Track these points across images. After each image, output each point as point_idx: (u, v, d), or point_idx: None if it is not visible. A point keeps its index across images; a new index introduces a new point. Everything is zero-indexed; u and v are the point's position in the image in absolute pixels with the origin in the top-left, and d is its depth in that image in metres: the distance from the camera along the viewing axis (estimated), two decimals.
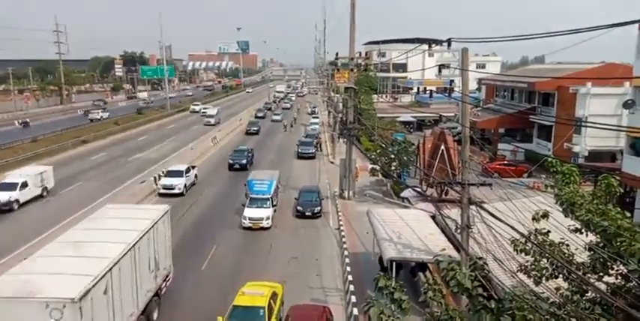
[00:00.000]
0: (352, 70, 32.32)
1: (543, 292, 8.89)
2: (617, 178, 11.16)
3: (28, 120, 60.79)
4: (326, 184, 34.83)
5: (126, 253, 13.97)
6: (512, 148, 41.30)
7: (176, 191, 30.48)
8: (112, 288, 12.90)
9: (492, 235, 11.55)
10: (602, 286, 8.97)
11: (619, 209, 9.76)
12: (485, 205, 12.75)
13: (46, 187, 30.01)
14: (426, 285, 9.00)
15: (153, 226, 16.32)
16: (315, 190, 29.32)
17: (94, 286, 11.82)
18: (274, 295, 15.57)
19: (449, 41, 13.50)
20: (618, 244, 8.74)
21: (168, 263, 18.10)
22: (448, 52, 73.68)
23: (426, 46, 23.40)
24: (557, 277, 9.68)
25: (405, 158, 32.81)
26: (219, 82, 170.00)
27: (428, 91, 71.77)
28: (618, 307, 7.86)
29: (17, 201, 27.21)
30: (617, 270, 9.11)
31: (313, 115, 73.68)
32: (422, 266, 18.97)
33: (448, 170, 23.87)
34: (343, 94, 36.21)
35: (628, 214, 9.57)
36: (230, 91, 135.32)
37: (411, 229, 18.56)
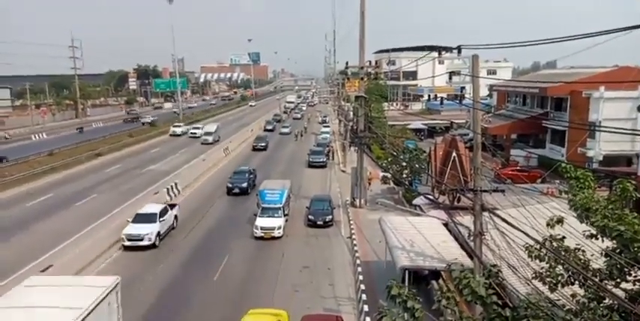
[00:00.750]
0: (362, 78, 32.36)
1: (559, 300, 8.72)
2: (633, 182, 10.94)
3: (82, 127, 69.76)
4: (337, 192, 34.75)
5: None
6: (525, 153, 40.89)
7: (145, 243, 23.40)
8: None
9: (506, 242, 11.40)
10: (620, 293, 8.77)
11: (635, 214, 9.56)
12: (498, 212, 12.62)
13: None
14: (439, 293, 8.88)
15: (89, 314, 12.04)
16: (326, 198, 29.24)
17: None
18: None
19: (459, 48, 13.48)
20: (635, 249, 8.57)
21: None
22: (458, 59, 73.81)
23: (435, 54, 23.32)
24: (572, 284, 9.49)
25: (416, 165, 32.68)
26: (235, 92, 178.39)
27: (439, 98, 71.57)
28: (637, 313, 7.67)
29: None
30: (635, 276, 8.91)
31: (324, 124, 74.02)
32: (435, 274, 18.76)
33: (460, 177, 23.67)
34: (354, 103, 36.22)
35: None
36: (241, 101, 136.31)
37: (423, 237, 18.39)
